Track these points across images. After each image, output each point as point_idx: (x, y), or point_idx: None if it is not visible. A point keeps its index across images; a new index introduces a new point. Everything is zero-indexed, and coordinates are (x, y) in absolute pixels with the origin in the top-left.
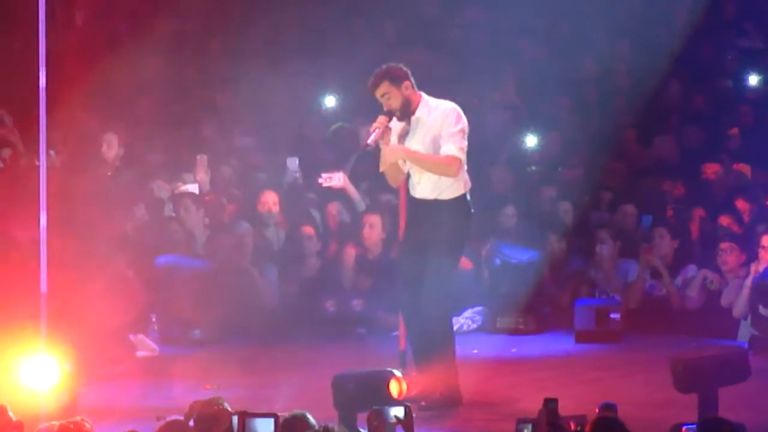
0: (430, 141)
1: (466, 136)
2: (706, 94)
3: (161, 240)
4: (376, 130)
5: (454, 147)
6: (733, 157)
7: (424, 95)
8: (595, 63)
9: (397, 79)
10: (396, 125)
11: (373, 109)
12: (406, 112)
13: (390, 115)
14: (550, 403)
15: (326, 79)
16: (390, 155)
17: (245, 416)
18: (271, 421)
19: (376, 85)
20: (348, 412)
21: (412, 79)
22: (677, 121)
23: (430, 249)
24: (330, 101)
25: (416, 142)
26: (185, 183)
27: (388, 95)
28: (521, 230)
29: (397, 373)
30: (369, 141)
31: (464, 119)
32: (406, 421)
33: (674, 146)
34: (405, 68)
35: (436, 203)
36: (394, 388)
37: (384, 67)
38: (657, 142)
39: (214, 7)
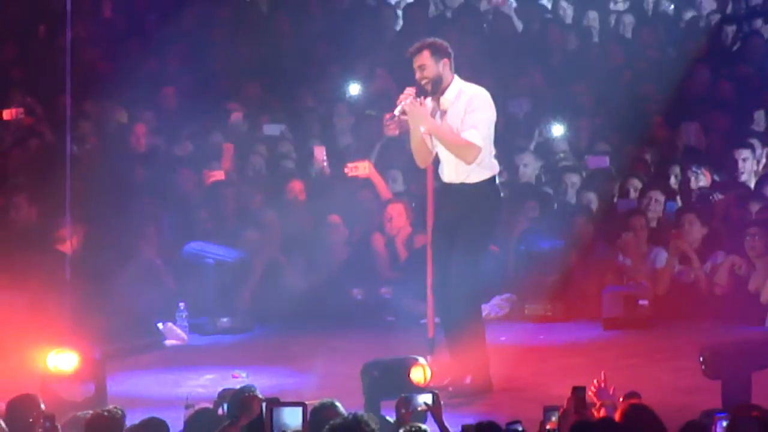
0: (457, 125)
1: (492, 125)
2: (732, 80)
3: (189, 228)
4: (402, 102)
5: (478, 134)
6: (762, 142)
7: (458, 78)
8: (622, 50)
9: (438, 52)
10: (426, 105)
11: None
12: (437, 88)
13: (418, 88)
14: (579, 392)
15: (353, 67)
16: (417, 117)
17: (273, 405)
18: (300, 410)
19: (416, 53)
20: (372, 399)
21: (452, 58)
22: (705, 107)
23: (458, 232)
24: (355, 89)
25: (445, 125)
26: (212, 171)
27: (424, 66)
28: (547, 218)
29: (422, 360)
30: (395, 111)
31: (493, 108)
32: (435, 408)
33: (702, 132)
34: (449, 47)
35: (462, 187)
36: (416, 375)
37: (429, 39)
38: (684, 128)
39: None
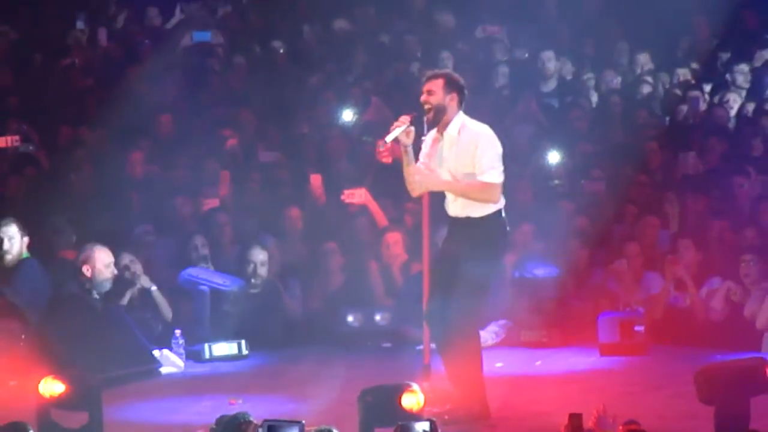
0: (460, 164)
1: (501, 159)
2: (729, 106)
3: (185, 255)
4: (397, 128)
5: (495, 172)
6: (757, 169)
7: (462, 114)
8: (617, 75)
9: (451, 84)
10: (427, 135)
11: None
12: (438, 118)
13: (414, 115)
14: (575, 419)
15: (349, 93)
16: (429, 183)
17: (270, 424)
18: (296, 428)
19: (431, 78)
20: (366, 426)
21: (463, 97)
22: (700, 133)
23: (461, 264)
24: (348, 115)
25: (449, 161)
26: (208, 198)
27: (432, 92)
28: (541, 244)
29: (414, 386)
30: (387, 138)
31: (499, 143)
32: None
33: (697, 158)
34: (464, 86)
35: (468, 220)
36: (407, 401)
37: (448, 71)
38: (681, 155)
39: (238, 21)
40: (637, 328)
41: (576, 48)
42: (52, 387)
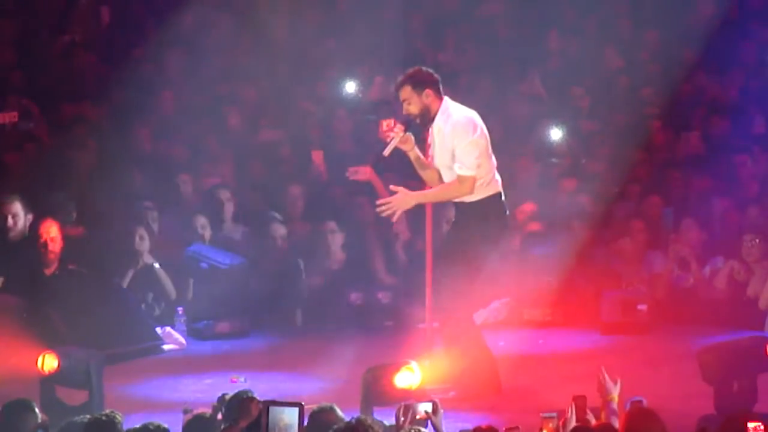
0: (447, 154)
1: (479, 146)
2: (733, 85)
3: (188, 234)
4: (392, 140)
5: (464, 164)
6: (762, 148)
7: (446, 100)
8: (621, 54)
9: (419, 84)
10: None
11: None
12: (425, 120)
13: (407, 122)
14: (579, 400)
15: (351, 72)
16: (403, 204)
17: (270, 404)
18: (296, 410)
19: (398, 88)
20: (366, 404)
21: (437, 85)
22: (704, 111)
23: (457, 247)
24: (351, 87)
25: (438, 155)
26: (210, 177)
27: (408, 101)
28: (544, 222)
29: (412, 364)
30: (385, 153)
31: (479, 129)
32: (434, 416)
33: (701, 137)
34: (432, 74)
35: (461, 205)
36: (401, 380)
37: (411, 70)
38: (684, 134)
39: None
40: (639, 307)
41: (579, 25)
42: (50, 363)
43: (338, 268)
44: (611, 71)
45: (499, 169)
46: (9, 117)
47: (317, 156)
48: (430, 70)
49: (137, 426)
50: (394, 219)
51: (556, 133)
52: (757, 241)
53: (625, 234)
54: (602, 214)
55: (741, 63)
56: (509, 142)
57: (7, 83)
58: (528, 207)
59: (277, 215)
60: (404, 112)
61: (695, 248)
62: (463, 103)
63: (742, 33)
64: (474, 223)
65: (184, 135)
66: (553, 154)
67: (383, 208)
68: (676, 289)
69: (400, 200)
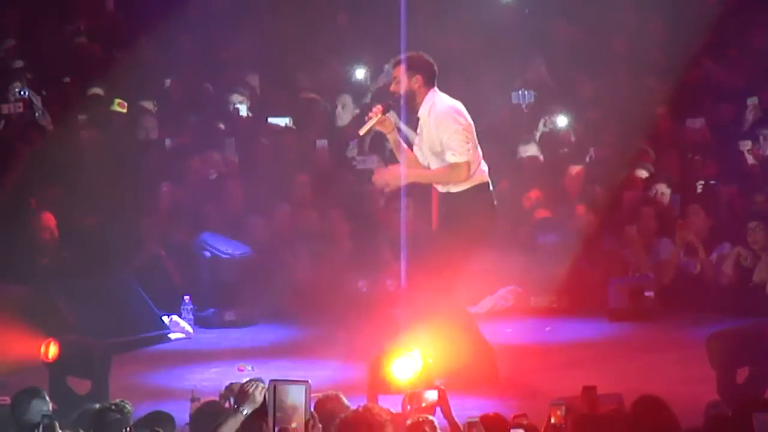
0: (436, 145)
1: (466, 135)
2: (739, 72)
3: (197, 220)
4: (370, 119)
5: (456, 150)
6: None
7: (435, 91)
8: (626, 41)
9: (412, 69)
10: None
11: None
12: (410, 104)
13: (387, 105)
14: (589, 391)
15: (358, 57)
16: (396, 180)
17: (276, 382)
18: (303, 388)
19: (395, 65)
20: (371, 392)
21: (430, 74)
22: (710, 98)
23: (445, 238)
24: (360, 74)
25: (425, 146)
26: (216, 164)
27: (397, 80)
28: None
29: (412, 353)
30: (360, 131)
31: (463, 118)
32: (443, 403)
33: (707, 124)
34: (430, 62)
35: (448, 195)
36: (398, 369)
37: (412, 53)
38: (689, 121)
39: None
40: (647, 293)
41: (583, 12)
42: (53, 351)
43: (346, 256)
44: (616, 58)
45: (505, 155)
46: (15, 107)
47: (323, 144)
48: (430, 60)
49: (145, 414)
50: (386, 191)
51: (561, 120)
52: (761, 228)
53: (632, 221)
54: (609, 201)
55: (747, 50)
56: (515, 130)
57: (11, 72)
58: (534, 194)
59: (279, 206)
60: (390, 89)
61: (702, 235)
62: (467, 90)
63: (749, 19)
64: (462, 213)
65: (190, 121)
66: (559, 142)
67: (377, 177)
68: (683, 276)
69: (393, 174)
